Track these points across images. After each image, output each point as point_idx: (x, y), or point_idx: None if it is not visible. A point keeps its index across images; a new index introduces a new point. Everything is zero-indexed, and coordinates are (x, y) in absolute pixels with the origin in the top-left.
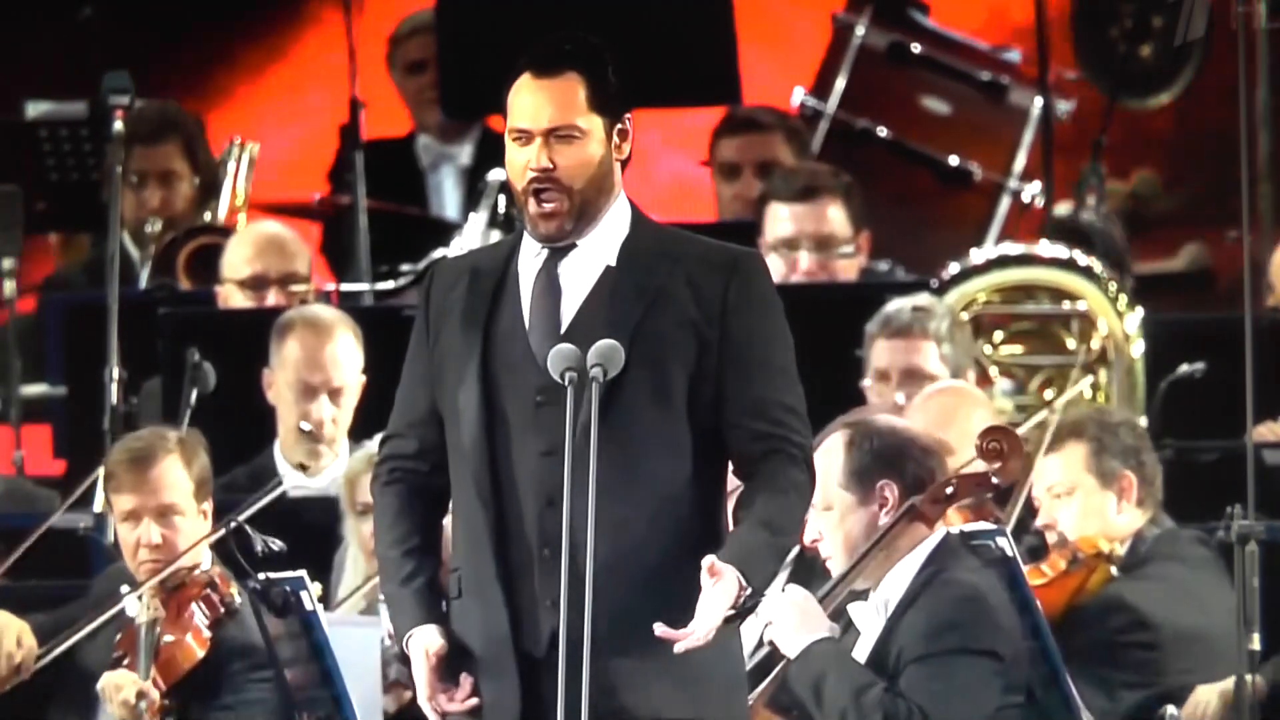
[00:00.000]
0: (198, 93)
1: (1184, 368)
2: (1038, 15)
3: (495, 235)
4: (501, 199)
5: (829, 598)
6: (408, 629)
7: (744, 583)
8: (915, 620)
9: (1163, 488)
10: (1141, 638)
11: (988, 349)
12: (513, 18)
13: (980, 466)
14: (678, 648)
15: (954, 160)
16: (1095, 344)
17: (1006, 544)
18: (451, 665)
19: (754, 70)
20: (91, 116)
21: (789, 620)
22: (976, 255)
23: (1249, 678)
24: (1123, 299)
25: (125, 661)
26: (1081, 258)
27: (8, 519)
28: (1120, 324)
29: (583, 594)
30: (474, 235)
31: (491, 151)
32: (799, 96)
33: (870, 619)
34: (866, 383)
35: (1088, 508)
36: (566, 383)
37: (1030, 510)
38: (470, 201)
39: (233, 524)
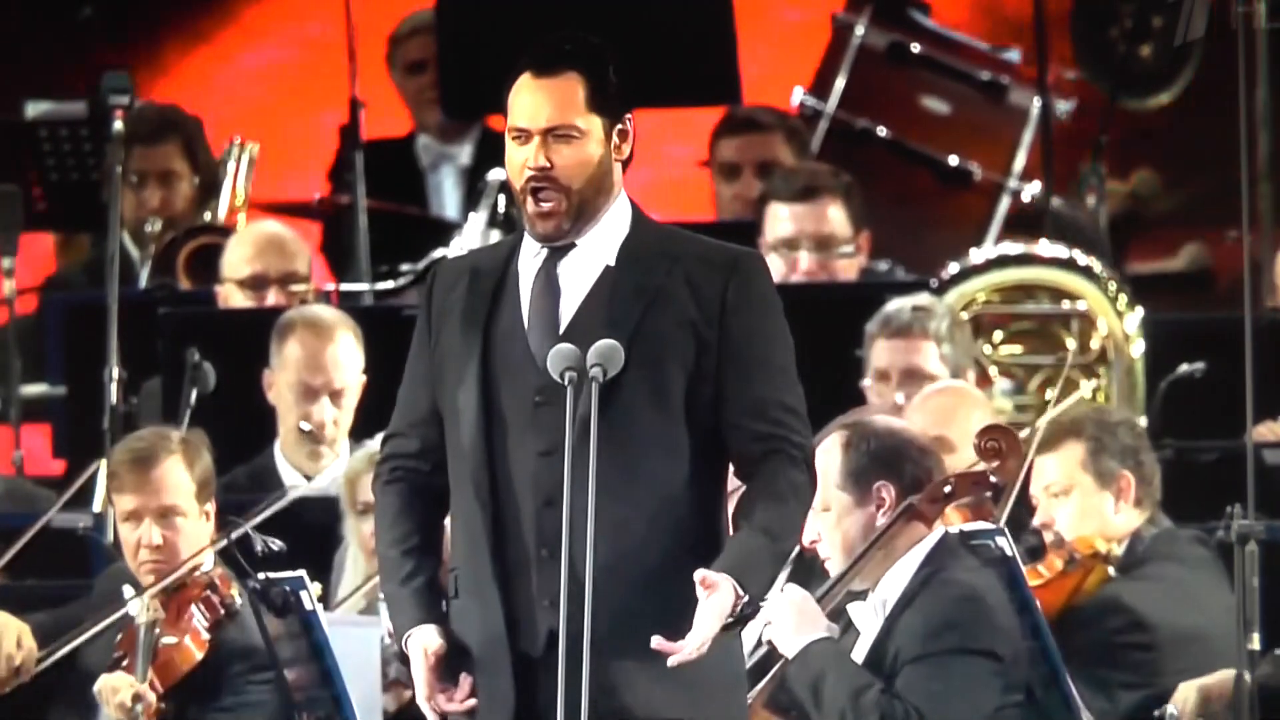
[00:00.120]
0: (197, 92)
1: (1184, 368)
2: (1037, 15)
3: (495, 235)
4: (501, 199)
5: (827, 598)
6: (407, 628)
7: (740, 591)
8: (913, 620)
9: (1161, 487)
10: (1139, 638)
11: (987, 349)
12: (513, 18)
13: (979, 465)
14: (670, 661)
15: (954, 160)
16: (1095, 344)
17: (1006, 544)
18: (450, 665)
19: (754, 70)
20: (91, 116)
21: (787, 620)
22: (976, 255)
23: (1248, 677)
24: (1122, 299)
25: (124, 663)
26: (1081, 257)
27: (8, 519)
28: (1120, 324)
29: (581, 594)
30: (474, 235)
31: (491, 151)
32: (799, 96)
33: (869, 619)
34: (866, 383)
35: (1085, 508)
36: (566, 383)
37: (1029, 510)
38: (470, 201)
39: (237, 531)
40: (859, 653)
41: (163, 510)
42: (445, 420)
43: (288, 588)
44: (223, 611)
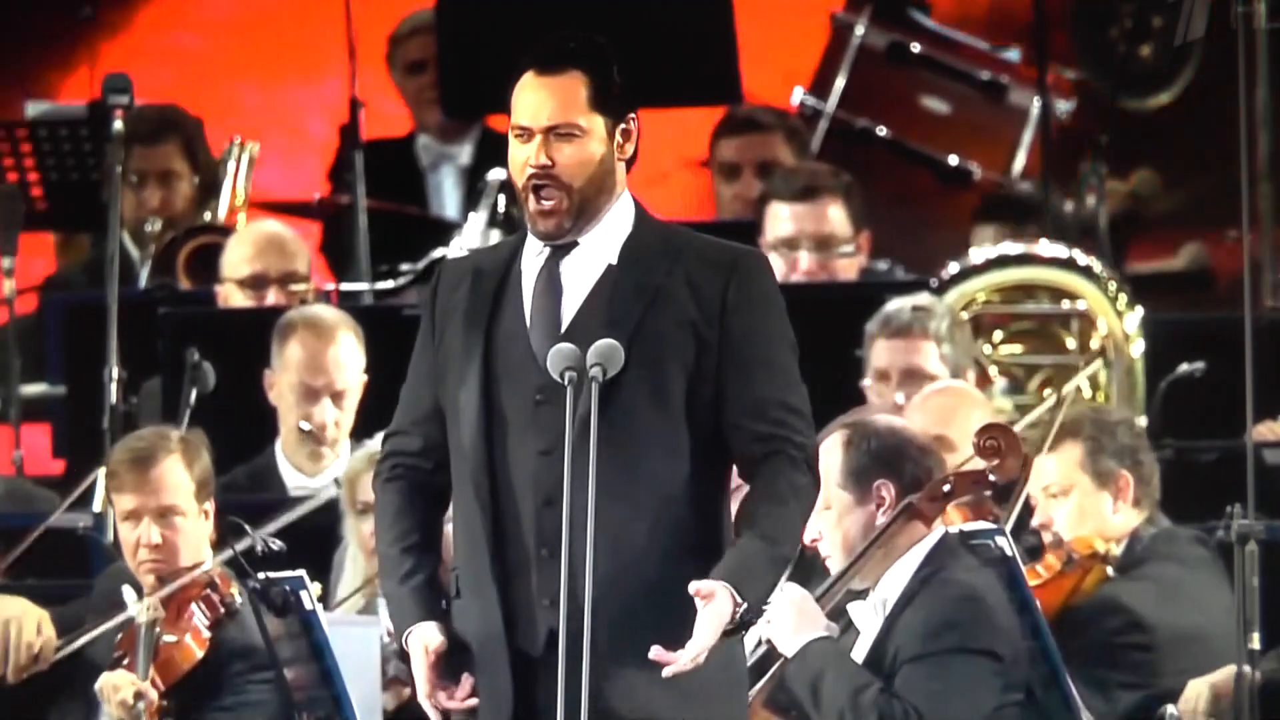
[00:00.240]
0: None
1: (1184, 367)
2: (1037, 15)
3: (495, 235)
4: (501, 199)
5: (827, 596)
6: (407, 626)
7: (738, 598)
8: (913, 620)
9: (1161, 487)
10: (1137, 639)
11: (987, 349)
12: (513, 17)
13: (979, 464)
14: (665, 672)
15: (954, 160)
16: (1095, 344)
17: (1005, 543)
18: (452, 663)
19: (754, 70)
20: (91, 116)
21: (786, 619)
22: (976, 255)
23: (1249, 676)
24: (1122, 299)
25: (125, 661)
26: (1081, 257)
27: (8, 519)
28: (1120, 324)
29: (581, 594)
30: (474, 235)
31: (491, 151)
32: (799, 96)
33: (869, 618)
34: (866, 383)
35: (1083, 508)
36: (566, 382)
37: (1028, 510)
38: (470, 201)
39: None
40: (859, 652)
41: (162, 510)
42: (447, 419)
43: (288, 588)
44: (223, 610)
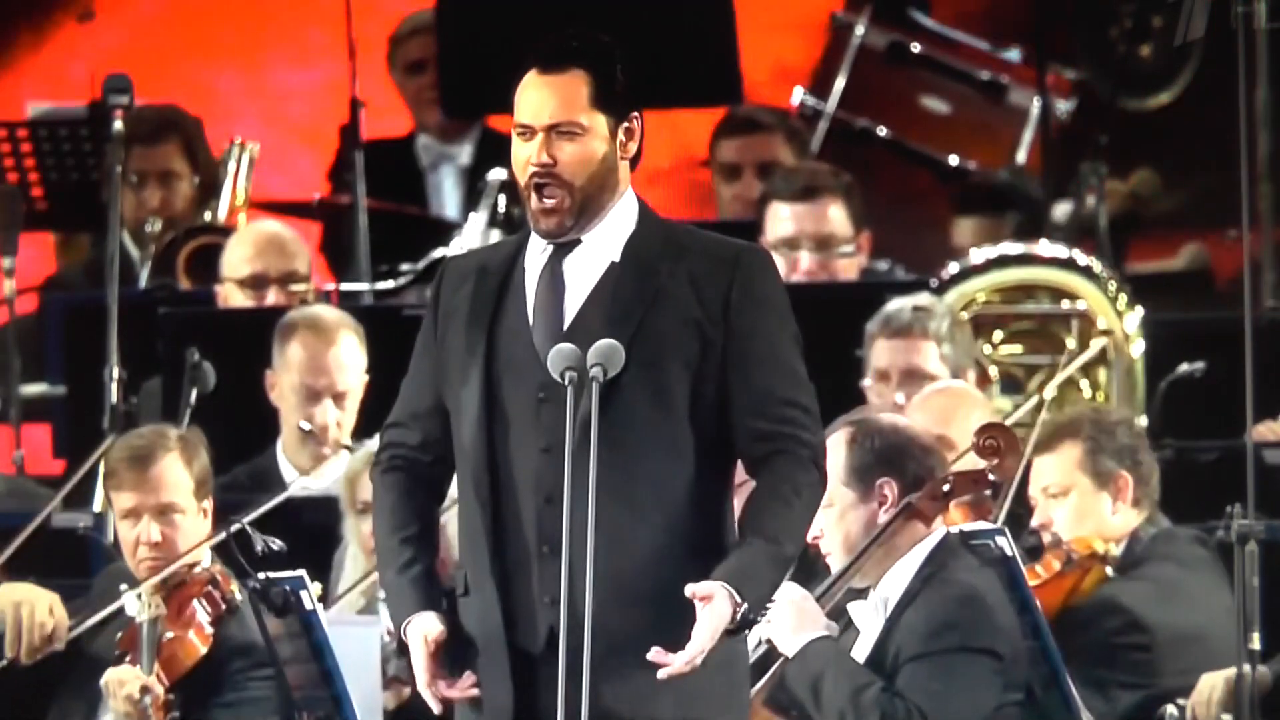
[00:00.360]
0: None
1: (1184, 367)
2: (1036, 15)
3: (495, 235)
4: (502, 198)
5: (827, 595)
6: (405, 616)
7: (738, 599)
8: (914, 619)
9: (1161, 487)
10: (1137, 639)
11: (987, 349)
12: (513, 17)
13: (979, 463)
14: (661, 674)
15: (954, 160)
16: (1094, 344)
17: (1006, 543)
18: (453, 655)
19: (754, 70)
20: (91, 116)
21: (786, 619)
22: (976, 255)
23: (1250, 676)
24: (1122, 299)
25: (127, 659)
26: (1081, 257)
27: (9, 518)
28: (1120, 324)
29: (582, 592)
30: (474, 235)
31: (491, 151)
32: (799, 96)
33: (869, 617)
34: (866, 382)
35: (1083, 508)
36: (566, 382)
37: (1028, 510)
38: (470, 201)
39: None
40: (860, 651)
41: (161, 508)
42: (450, 417)
43: (288, 587)
44: (224, 607)
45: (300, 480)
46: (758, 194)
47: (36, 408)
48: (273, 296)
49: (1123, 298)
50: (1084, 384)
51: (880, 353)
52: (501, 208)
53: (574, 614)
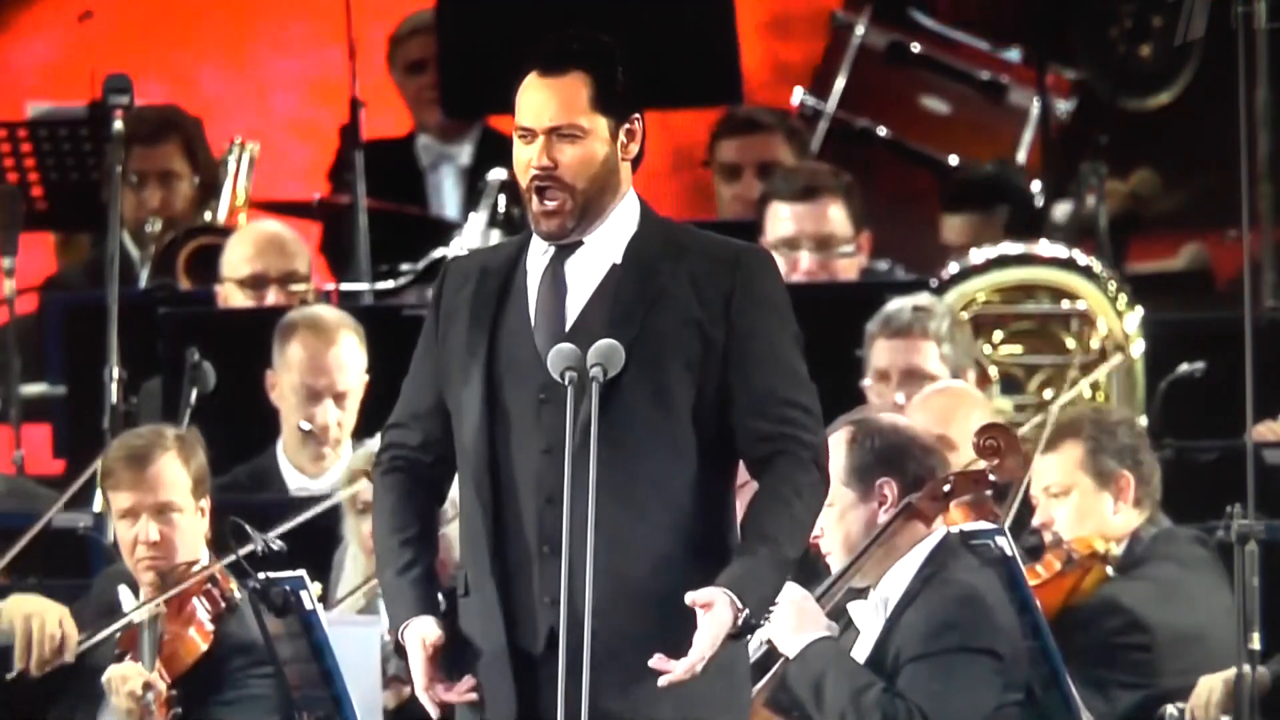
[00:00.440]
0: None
1: (1184, 368)
2: (1036, 15)
3: (495, 235)
4: (502, 199)
5: (827, 596)
6: (403, 619)
7: (739, 605)
8: (914, 620)
9: (1161, 487)
10: (1137, 639)
11: (987, 349)
12: (513, 17)
13: (979, 464)
14: (662, 681)
15: (954, 160)
16: (1095, 344)
17: (1006, 543)
18: (451, 659)
19: (754, 70)
20: (91, 116)
21: (787, 619)
22: (976, 255)
23: (1250, 676)
24: (1122, 299)
25: (128, 658)
26: (1081, 257)
27: (10, 518)
28: (1120, 324)
29: (582, 592)
30: (474, 235)
31: (491, 151)
32: (799, 96)
33: (870, 617)
34: (866, 382)
35: (1084, 508)
36: (566, 382)
37: (1029, 510)
38: (470, 201)
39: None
40: (861, 652)
41: (159, 507)
42: (451, 418)
43: (288, 587)
44: (224, 605)
45: (342, 491)
46: (758, 194)
47: (36, 408)
48: (273, 296)
49: (1123, 298)
50: (1084, 384)
51: (880, 353)
52: (501, 208)
53: (574, 614)
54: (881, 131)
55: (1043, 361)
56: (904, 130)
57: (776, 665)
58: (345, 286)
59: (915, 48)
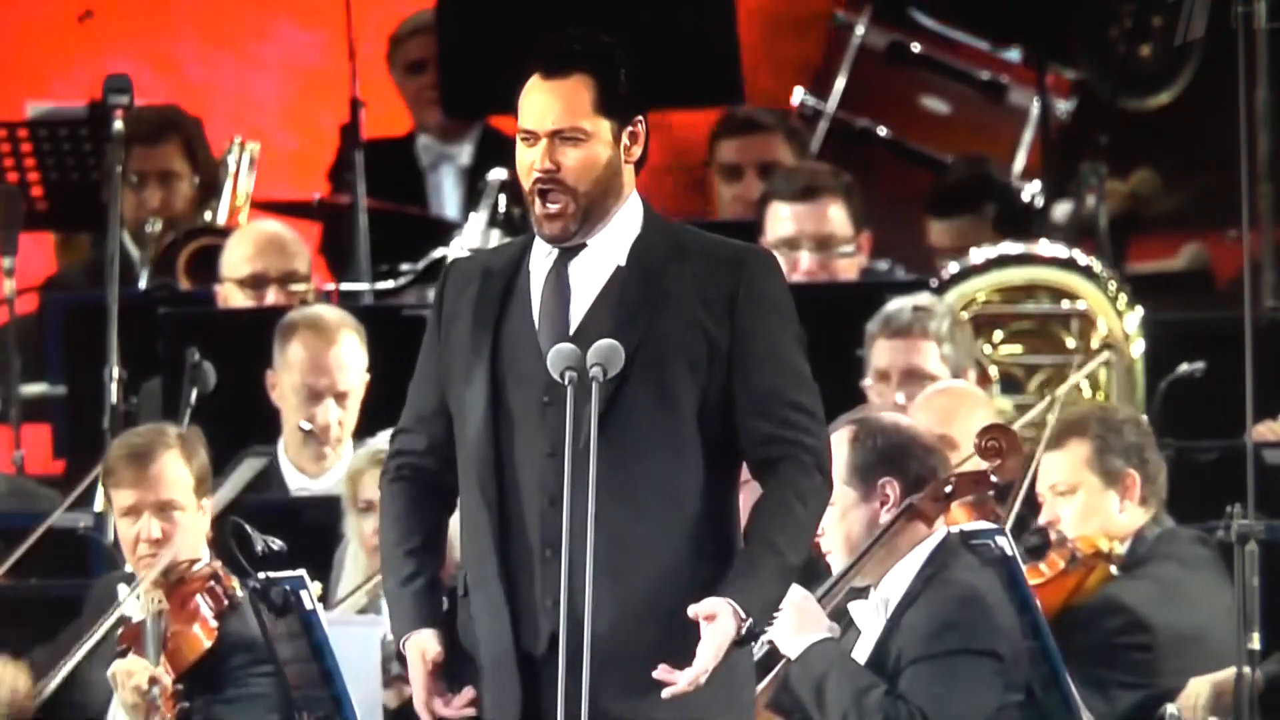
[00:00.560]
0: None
1: (1184, 367)
2: (1036, 15)
3: (495, 235)
4: (502, 199)
5: (828, 596)
6: (405, 631)
7: (742, 615)
8: (915, 620)
9: (1166, 486)
10: (1137, 639)
11: (988, 349)
12: (513, 17)
13: (980, 464)
14: (665, 693)
15: (954, 160)
16: (1095, 344)
17: (1006, 543)
18: (451, 671)
19: (754, 70)
20: (91, 116)
21: (789, 620)
22: (976, 255)
23: (1248, 676)
24: (1122, 299)
25: (130, 654)
26: (1081, 257)
27: (10, 518)
28: (1120, 323)
29: (583, 594)
30: (474, 235)
31: (491, 151)
32: (799, 96)
33: (870, 618)
34: (867, 382)
35: (1090, 506)
36: (566, 383)
37: (1034, 508)
38: (470, 201)
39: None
40: (861, 652)
41: (161, 505)
42: (454, 419)
43: (288, 587)
44: (226, 602)
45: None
46: (758, 194)
47: (36, 408)
48: (273, 296)
49: (1123, 298)
50: (1084, 384)
51: (880, 353)
52: (502, 208)
53: (574, 616)
54: (881, 131)
55: (1043, 361)
56: (904, 130)
57: (778, 666)
58: (345, 286)
59: (915, 48)
